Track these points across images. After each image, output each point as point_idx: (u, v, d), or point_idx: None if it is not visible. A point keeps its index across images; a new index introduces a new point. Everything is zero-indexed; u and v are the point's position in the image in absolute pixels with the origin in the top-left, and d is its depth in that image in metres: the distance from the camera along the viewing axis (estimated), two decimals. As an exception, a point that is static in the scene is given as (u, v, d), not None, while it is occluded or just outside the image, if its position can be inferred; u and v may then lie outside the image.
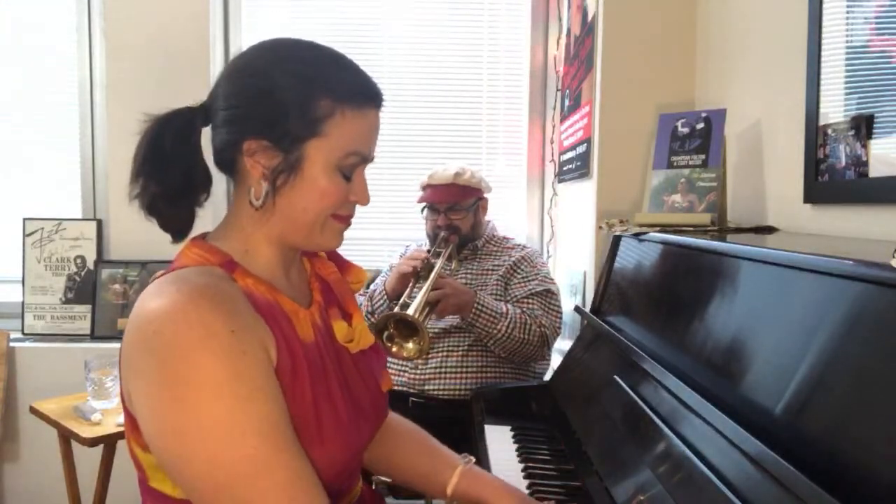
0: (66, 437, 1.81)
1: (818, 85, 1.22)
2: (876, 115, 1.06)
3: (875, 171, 1.06)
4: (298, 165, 0.78)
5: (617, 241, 1.54)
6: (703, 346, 0.98)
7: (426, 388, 1.86)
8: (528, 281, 1.94)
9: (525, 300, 1.89)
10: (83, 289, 2.39)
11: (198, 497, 0.71)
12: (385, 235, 2.65)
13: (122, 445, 1.79)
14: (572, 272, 2.22)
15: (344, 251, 0.98)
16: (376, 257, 2.59)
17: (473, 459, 1.04)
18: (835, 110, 1.17)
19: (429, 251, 1.99)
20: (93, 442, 1.70)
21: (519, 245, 2.11)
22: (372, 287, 2.06)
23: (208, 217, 0.88)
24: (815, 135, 1.22)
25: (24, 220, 2.40)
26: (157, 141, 0.79)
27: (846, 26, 1.15)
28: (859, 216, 1.14)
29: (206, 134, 0.84)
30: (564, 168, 2.38)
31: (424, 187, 2.07)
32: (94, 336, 2.35)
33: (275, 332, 0.77)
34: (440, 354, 1.88)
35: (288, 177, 0.78)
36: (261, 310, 0.77)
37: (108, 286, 2.37)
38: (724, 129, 1.44)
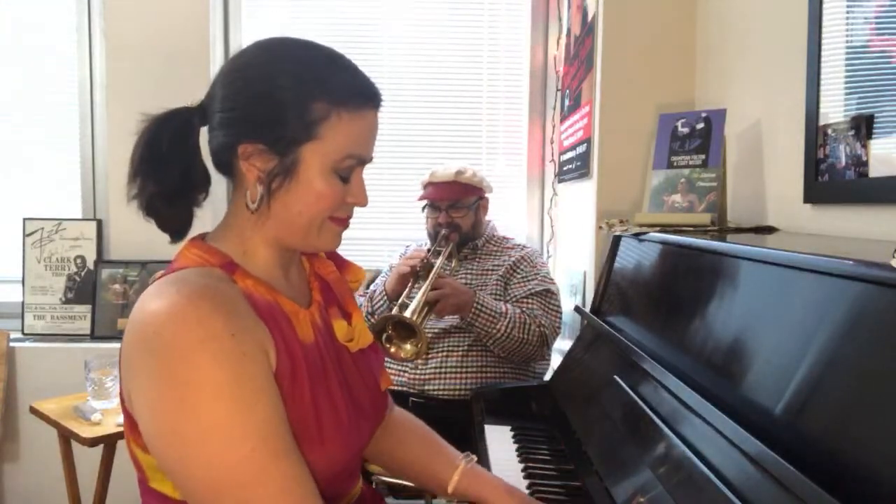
0: (66, 437, 1.81)
1: (818, 85, 1.22)
2: (876, 115, 1.06)
3: (875, 171, 1.06)
4: (294, 169, 0.78)
5: (617, 241, 1.54)
6: (703, 346, 0.98)
7: (426, 388, 1.86)
8: (528, 281, 1.94)
9: (524, 300, 1.89)
10: (83, 289, 2.39)
11: (194, 499, 0.71)
12: (385, 235, 2.65)
13: (122, 445, 1.78)
14: (572, 272, 2.21)
15: (344, 251, 0.98)
16: (376, 257, 2.59)
17: (475, 458, 1.04)
18: (835, 110, 1.17)
19: (429, 250, 1.99)
20: (93, 442, 1.70)
21: (519, 245, 2.11)
22: (372, 287, 2.06)
23: (208, 217, 0.88)
24: (815, 135, 1.22)
25: (24, 220, 2.40)
26: (154, 141, 0.79)
27: (846, 26, 1.15)
28: (859, 216, 1.13)
29: (206, 134, 0.84)
30: (564, 168, 2.38)
31: (426, 185, 2.07)
32: (94, 336, 2.36)
33: (274, 334, 0.77)
34: (440, 354, 1.88)
35: (283, 180, 0.78)
36: (261, 311, 0.77)
37: (108, 286, 2.37)
38: (724, 129, 1.44)
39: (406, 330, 1.68)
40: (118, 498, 1.97)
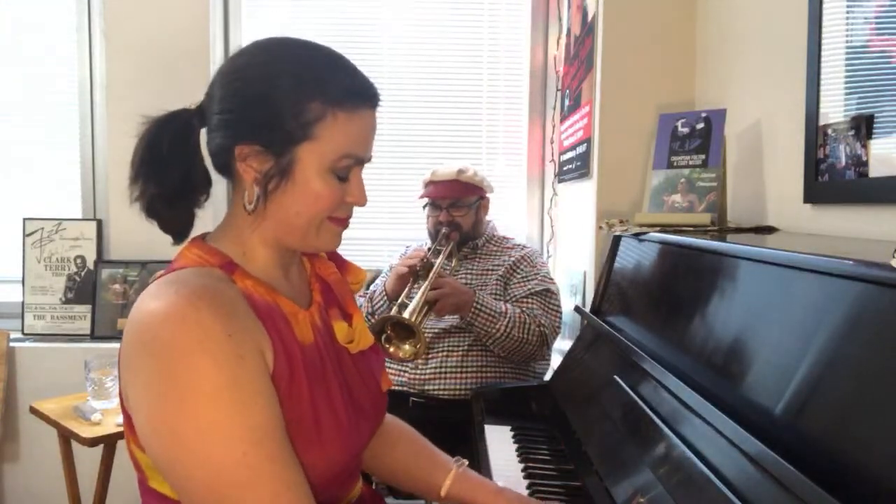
0: (66, 437, 1.81)
1: (818, 85, 1.22)
2: (876, 115, 1.06)
3: (875, 171, 1.06)
4: (290, 169, 0.77)
5: (617, 241, 1.54)
6: (703, 346, 0.98)
7: (426, 388, 1.86)
8: (528, 280, 1.94)
9: (524, 300, 1.89)
10: (83, 289, 2.39)
11: (189, 499, 0.71)
12: (385, 235, 2.65)
13: (122, 445, 1.78)
14: (572, 272, 2.22)
15: (343, 251, 0.98)
16: (376, 257, 2.59)
17: (466, 462, 1.05)
18: (835, 110, 1.17)
19: (429, 249, 1.99)
20: (93, 442, 1.70)
21: (519, 245, 2.11)
22: (372, 288, 2.06)
23: (208, 217, 0.88)
24: (815, 135, 1.22)
25: (24, 220, 2.40)
26: (154, 143, 0.79)
27: (846, 26, 1.15)
28: (859, 216, 1.13)
29: (206, 134, 0.84)
30: (564, 168, 2.38)
31: (427, 184, 2.07)
32: (94, 336, 2.35)
33: (272, 335, 0.77)
34: (440, 354, 1.88)
35: (280, 181, 0.78)
36: (259, 312, 0.77)
37: (108, 286, 2.37)
38: (724, 129, 1.44)
39: (405, 330, 1.68)
40: (118, 498, 1.97)
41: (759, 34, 1.53)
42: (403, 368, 1.89)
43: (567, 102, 2.37)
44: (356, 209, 0.86)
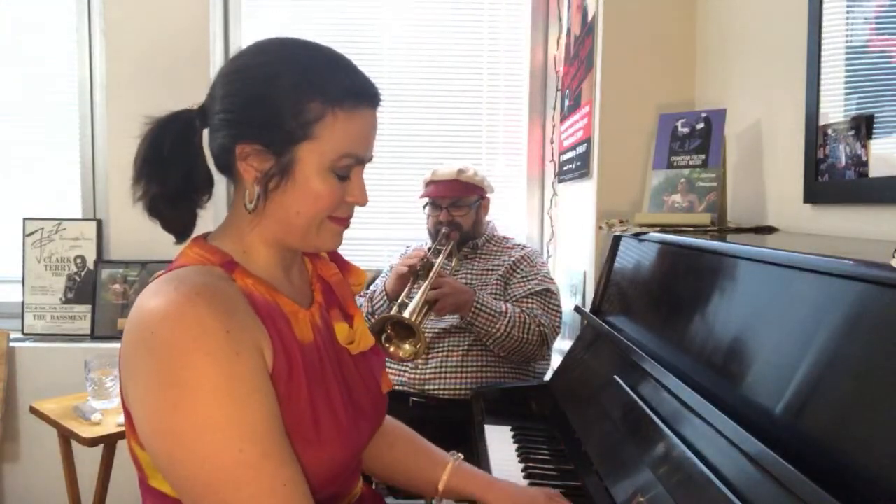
0: (66, 437, 1.81)
1: (818, 85, 1.22)
2: (876, 115, 1.06)
3: (875, 171, 1.06)
4: (290, 169, 0.78)
5: (617, 241, 1.54)
6: (703, 346, 0.98)
7: (426, 387, 1.86)
8: (528, 280, 1.94)
9: (524, 300, 1.89)
10: (83, 289, 2.39)
11: (186, 497, 0.71)
12: (385, 235, 2.65)
13: (122, 445, 1.79)
14: (572, 272, 2.22)
15: (344, 251, 0.98)
16: (376, 257, 2.59)
17: (462, 456, 1.06)
18: (835, 110, 1.17)
19: (429, 249, 1.99)
20: (93, 442, 1.70)
21: (519, 245, 2.11)
22: (372, 288, 2.06)
23: (209, 217, 0.88)
24: (815, 135, 1.22)
25: (24, 220, 2.40)
26: (156, 143, 0.79)
27: (846, 26, 1.15)
28: (859, 216, 1.14)
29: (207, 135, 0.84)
30: (564, 168, 2.38)
31: (427, 183, 2.08)
32: (94, 336, 2.35)
33: (271, 333, 0.77)
34: (440, 354, 1.88)
35: (280, 180, 0.78)
36: (259, 310, 0.77)
37: (108, 286, 2.37)
38: (724, 129, 1.44)
39: (405, 330, 1.68)
40: (118, 498, 1.97)
41: (759, 34, 1.53)
42: (403, 368, 1.89)
43: (567, 102, 2.37)
44: (356, 209, 0.86)
